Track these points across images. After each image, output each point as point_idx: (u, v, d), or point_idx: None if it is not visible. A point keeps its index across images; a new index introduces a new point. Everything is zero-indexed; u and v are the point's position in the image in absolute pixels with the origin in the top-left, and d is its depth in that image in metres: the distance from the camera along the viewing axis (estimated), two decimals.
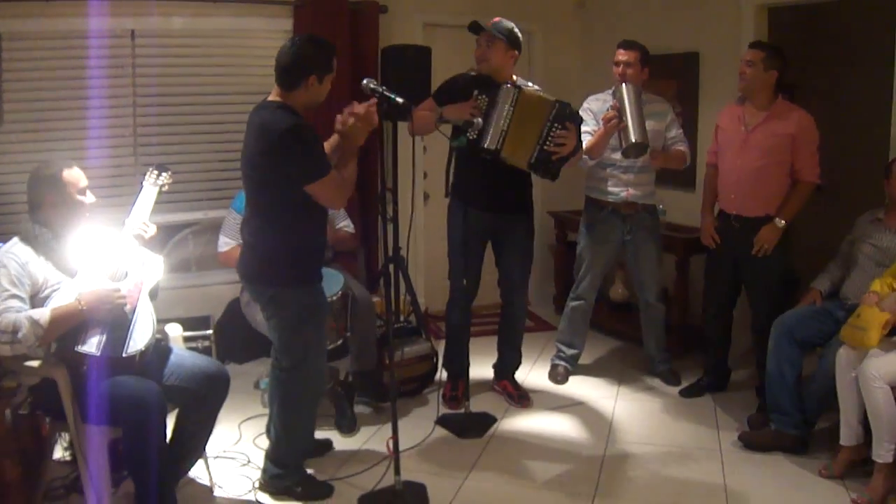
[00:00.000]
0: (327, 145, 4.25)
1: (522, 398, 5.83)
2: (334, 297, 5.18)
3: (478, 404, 5.61)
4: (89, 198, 4.02)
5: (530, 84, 5.45)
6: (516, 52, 5.35)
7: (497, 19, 5.30)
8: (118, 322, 3.79)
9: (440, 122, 5.16)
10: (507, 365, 5.97)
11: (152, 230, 4.20)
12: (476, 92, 5.10)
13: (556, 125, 5.02)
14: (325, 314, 4.46)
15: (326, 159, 4.04)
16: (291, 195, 3.99)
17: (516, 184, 5.46)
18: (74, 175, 3.96)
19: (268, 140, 3.94)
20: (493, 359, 6.11)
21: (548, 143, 5.03)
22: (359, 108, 4.10)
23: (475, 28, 5.25)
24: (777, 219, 5.31)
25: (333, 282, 5.30)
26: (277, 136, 3.89)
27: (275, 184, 4.00)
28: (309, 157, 3.95)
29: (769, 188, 5.38)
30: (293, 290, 4.19)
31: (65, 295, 3.76)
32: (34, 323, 3.58)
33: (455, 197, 5.51)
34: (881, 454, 4.23)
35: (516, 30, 5.32)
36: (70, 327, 3.69)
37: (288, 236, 4.12)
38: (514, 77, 5.37)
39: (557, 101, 5.06)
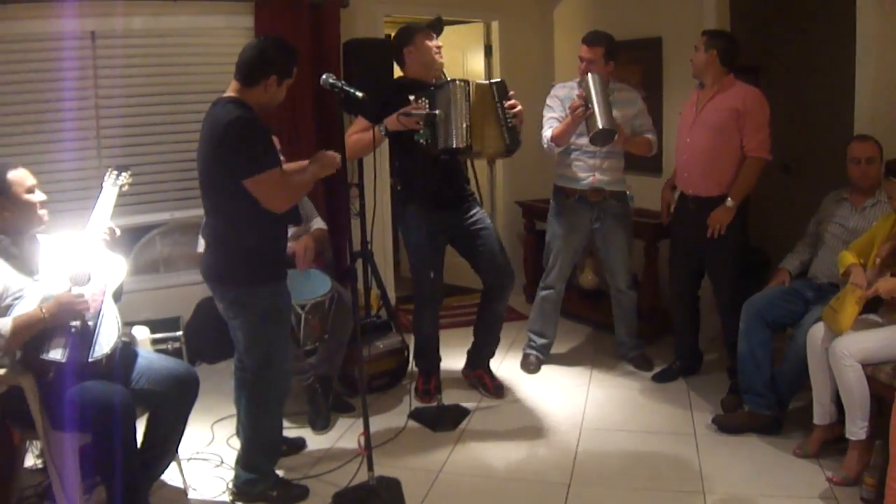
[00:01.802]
0: (295, 166, 4.26)
1: (498, 389, 5.83)
2: (323, 298, 5.18)
3: (450, 397, 5.61)
4: (38, 196, 3.95)
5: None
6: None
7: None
8: (83, 325, 3.75)
9: (386, 135, 5.14)
10: (482, 353, 5.95)
11: (115, 233, 4.15)
12: (413, 98, 5.09)
13: (503, 101, 5.09)
14: (288, 314, 4.43)
15: (271, 156, 3.97)
16: (244, 192, 3.92)
17: (457, 176, 5.52)
18: (19, 175, 3.89)
19: (215, 133, 3.92)
20: (461, 350, 6.10)
21: (509, 119, 5.08)
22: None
23: (439, 26, 5.30)
24: (727, 199, 5.33)
25: (321, 283, 5.30)
26: (222, 127, 3.87)
27: (225, 179, 3.95)
28: (250, 151, 3.89)
29: (720, 167, 5.41)
30: (255, 289, 4.13)
31: (27, 302, 3.72)
32: None
33: (408, 202, 5.49)
34: (854, 432, 4.25)
35: None
36: (31, 335, 3.65)
37: (246, 235, 4.06)
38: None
39: (491, 82, 5.19)
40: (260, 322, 4.17)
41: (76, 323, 3.73)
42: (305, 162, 4.28)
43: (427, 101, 5.04)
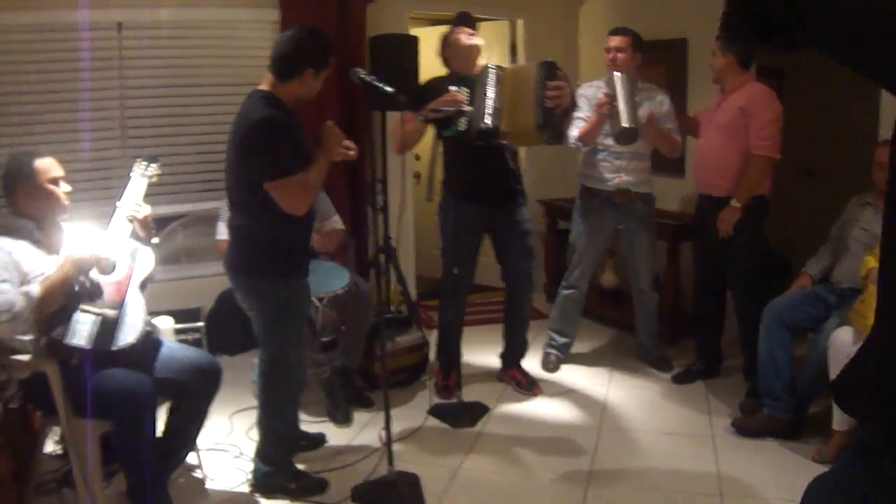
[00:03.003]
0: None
1: (531, 384, 5.85)
2: (340, 292, 5.20)
3: (470, 393, 5.60)
4: (64, 188, 3.98)
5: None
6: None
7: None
8: (109, 310, 3.78)
9: (424, 122, 5.16)
10: (514, 354, 5.98)
11: (146, 210, 4.17)
12: (454, 88, 5.13)
13: (547, 82, 5.00)
14: (306, 309, 4.44)
15: (294, 159, 3.94)
16: (264, 189, 3.94)
17: (506, 173, 5.49)
18: (46, 164, 3.92)
19: (240, 130, 3.94)
20: (490, 347, 6.16)
21: (546, 100, 4.98)
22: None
23: (467, 19, 5.31)
24: (732, 199, 5.32)
25: (340, 276, 5.32)
26: (247, 126, 3.89)
27: (247, 176, 3.97)
28: (273, 155, 3.88)
29: (728, 166, 5.40)
30: (272, 282, 4.14)
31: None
32: (27, 296, 3.56)
33: (446, 192, 5.50)
34: None
35: None
36: (61, 298, 3.69)
37: (268, 228, 4.07)
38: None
39: (542, 62, 5.07)
40: (276, 314, 4.18)
41: (112, 312, 3.77)
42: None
43: (468, 90, 5.08)
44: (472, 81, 5.14)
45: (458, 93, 5.10)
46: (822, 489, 2.13)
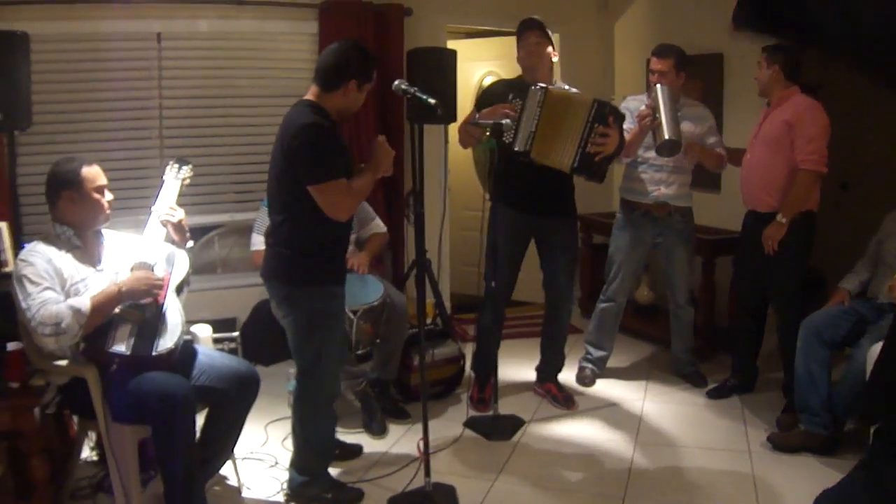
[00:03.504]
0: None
1: (568, 399, 5.82)
2: (374, 304, 5.21)
3: (506, 406, 5.59)
4: (107, 196, 4.01)
5: (566, 86, 5.44)
6: (556, 55, 5.45)
7: (538, 18, 5.34)
8: (148, 317, 3.81)
9: (473, 125, 5.18)
10: (551, 367, 5.97)
11: (180, 214, 4.19)
12: (511, 95, 5.09)
13: (596, 125, 4.93)
14: (340, 318, 4.41)
15: (339, 165, 3.98)
16: (307, 195, 3.95)
17: (557, 186, 5.45)
18: (93, 172, 3.95)
19: (287, 135, 3.97)
20: (526, 360, 6.15)
21: (589, 144, 4.94)
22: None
23: (531, 25, 5.29)
24: (778, 215, 5.27)
25: (374, 288, 5.33)
26: (294, 131, 3.92)
27: (290, 181, 3.99)
28: (318, 157, 3.92)
29: (773, 181, 5.35)
30: (306, 290, 4.15)
31: (96, 287, 3.77)
32: (76, 311, 3.58)
33: (494, 199, 5.46)
34: None
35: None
36: (110, 311, 3.71)
37: (304, 235, 4.09)
38: (556, 80, 5.41)
39: (596, 101, 4.97)
40: (309, 323, 4.17)
41: (151, 317, 3.80)
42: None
43: (520, 101, 5.04)
44: (525, 94, 5.06)
45: (512, 104, 5.07)
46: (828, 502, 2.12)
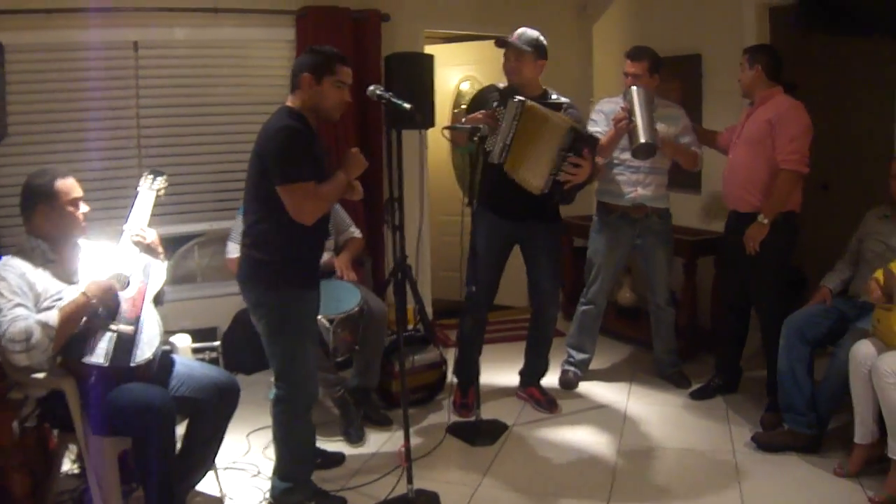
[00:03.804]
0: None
1: (550, 403, 5.81)
2: (352, 312, 5.18)
3: (489, 412, 5.58)
4: (83, 208, 3.98)
5: (554, 96, 5.42)
6: (544, 62, 5.40)
7: (522, 30, 5.34)
8: (125, 326, 3.78)
9: (452, 128, 5.17)
10: (534, 372, 5.96)
11: (152, 235, 4.18)
12: (496, 104, 5.09)
13: (569, 154, 4.91)
14: (311, 322, 4.34)
15: (309, 168, 3.95)
16: (277, 197, 3.94)
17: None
18: (67, 185, 3.92)
19: (261, 138, 4.00)
20: (510, 365, 6.15)
21: (561, 172, 4.94)
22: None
23: (502, 43, 5.27)
24: (760, 215, 5.27)
25: (351, 296, 5.31)
26: (268, 133, 3.95)
27: (261, 182, 3.99)
28: (287, 158, 3.90)
29: (755, 181, 5.36)
30: (277, 294, 4.12)
31: (69, 297, 3.75)
32: (44, 325, 3.56)
33: (480, 204, 5.43)
34: None
35: (542, 38, 5.37)
36: (80, 322, 3.69)
37: (275, 239, 4.06)
38: (544, 87, 5.43)
39: (572, 129, 4.91)
40: (280, 326, 4.14)
41: (128, 328, 3.77)
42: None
43: (503, 109, 5.03)
44: (508, 103, 5.05)
45: (497, 112, 5.05)
46: None
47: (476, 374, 5.57)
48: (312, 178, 3.95)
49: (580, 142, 4.94)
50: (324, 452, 4.92)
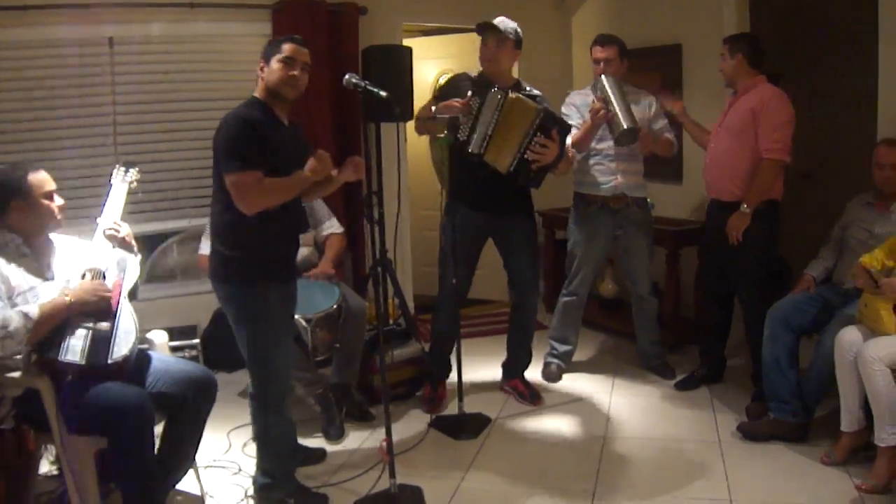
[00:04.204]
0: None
1: (534, 396, 5.79)
2: (330, 311, 5.15)
3: (472, 405, 5.54)
4: (57, 201, 3.95)
5: (528, 88, 5.39)
6: (519, 53, 5.42)
7: (501, 18, 5.31)
8: (101, 324, 3.74)
9: (430, 119, 5.13)
10: (517, 364, 5.93)
11: (125, 229, 4.14)
12: (470, 93, 5.04)
13: (538, 133, 4.94)
14: (277, 319, 4.22)
15: (254, 157, 3.87)
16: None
17: (506, 181, 5.41)
18: (40, 178, 3.89)
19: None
20: (491, 358, 6.16)
21: (527, 152, 4.95)
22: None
23: (483, 28, 5.24)
24: (742, 204, 5.25)
25: (328, 294, 5.27)
26: (221, 123, 3.94)
27: (219, 172, 3.97)
28: (232, 147, 3.87)
29: (737, 170, 5.34)
30: (239, 288, 4.09)
31: (46, 296, 3.70)
32: (24, 316, 3.53)
33: (451, 199, 5.41)
34: (883, 438, 4.18)
35: (519, 29, 5.35)
36: (57, 322, 3.64)
37: (238, 231, 4.01)
38: (516, 78, 5.44)
39: (542, 110, 4.96)
40: (247, 321, 4.11)
41: (105, 323, 3.73)
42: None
43: (479, 100, 4.99)
44: (483, 93, 5.02)
45: (471, 102, 5.01)
46: None
47: (448, 369, 5.64)
48: (258, 168, 3.88)
49: (549, 122, 4.97)
50: (305, 449, 4.89)
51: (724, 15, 6.53)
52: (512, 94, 4.98)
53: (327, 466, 4.84)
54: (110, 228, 4.08)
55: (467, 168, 5.19)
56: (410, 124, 5.46)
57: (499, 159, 5.00)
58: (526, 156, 4.96)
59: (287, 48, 4.06)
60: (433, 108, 5.19)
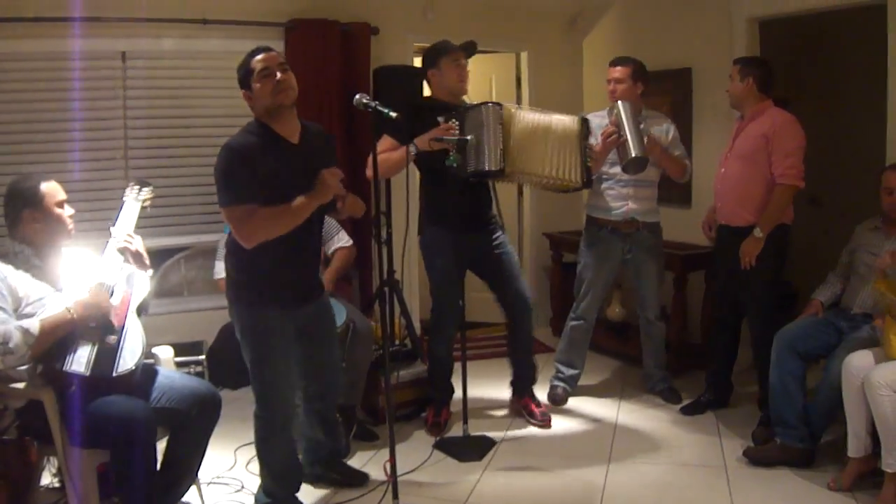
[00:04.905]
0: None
1: (544, 418, 5.77)
2: (337, 331, 5.10)
3: (476, 427, 5.52)
4: (68, 210, 3.98)
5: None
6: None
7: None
8: (107, 337, 3.73)
9: (416, 154, 5.09)
10: (524, 380, 5.89)
11: (138, 242, 4.14)
12: (442, 119, 5.07)
13: (587, 141, 5.06)
14: (283, 343, 4.21)
15: (246, 188, 3.86)
16: None
17: (485, 199, 5.50)
18: (52, 188, 3.92)
19: None
20: (495, 381, 6.20)
21: (588, 159, 5.07)
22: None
23: (473, 49, 5.27)
24: (756, 228, 5.24)
25: (336, 315, 5.25)
26: (219, 151, 3.93)
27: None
28: (221, 181, 3.88)
29: (749, 195, 5.33)
30: (240, 308, 4.13)
31: (52, 306, 3.70)
32: (25, 332, 3.52)
33: (434, 224, 5.44)
34: (891, 463, 4.15)
35: None
36: (60, 337, 3.64)
37: (244, 254, 3.99)
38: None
39: (581, 118, 5.13)
40: (251, 343, 4.14)
41: (112, 337, 3.74)
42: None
43: (458, 122, 4.98)
44: (462, 114, 5.03)
45: (451, 126, 5.01)
46: None
47: (451, 392, 5.63)
48: (251, 200, 3.87)
49: (586, 126, 5.12)
50: (348, 470, 4.87)
51: (734, 39, 6.53)
52: (506, 105, 5.04)
53: (331, 486, 4.79)
54: (123, 241, 4.08)
55: (447, 194, 5.19)
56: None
57: (565, 174, 5.05)
58: (588, 163, 5.07)
59: (258, 62, 4.02)
60: (413, 146, 5.10)
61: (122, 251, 4.07)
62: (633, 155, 5.30)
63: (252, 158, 3.88)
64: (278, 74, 3.99)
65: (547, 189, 5.48)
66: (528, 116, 5.05)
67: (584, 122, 5.10)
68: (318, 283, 4.48)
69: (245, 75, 4.03)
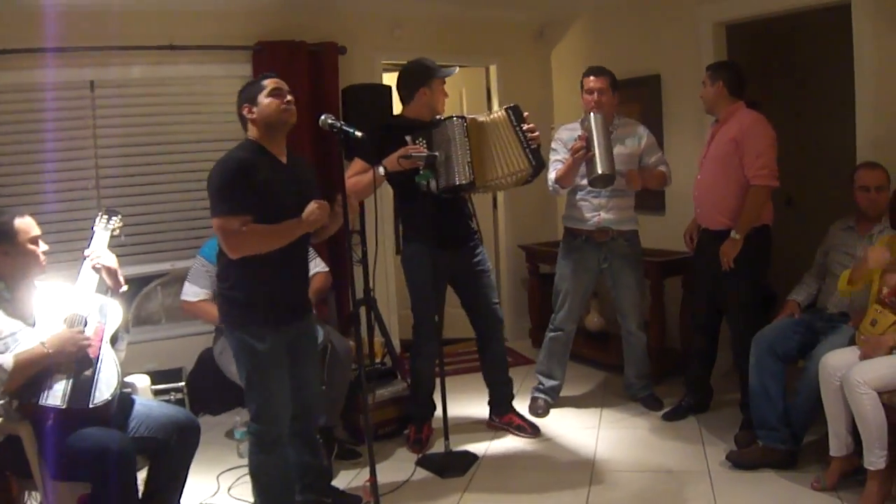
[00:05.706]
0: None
1: (533, 426, 5.78)
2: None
3: (458, 443, 5.50)
4: (42, 247, 3.96)
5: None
6: None
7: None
8: (82, 369, 3.71)
9: (386, 175, 5.08)
10: (502, 397, 5.89)
11: (112, 259, 4.15)
12: (409, 138, 5.06)
13: (521, 125, 5.00)
14: (273, 362, 4.17)
15: (241, 201, 3.90)
16: None
17: (461, 214, 5.51)
18: (26, 224, 3.91)
19: None
20: (475, 395, 6.18)
21: (530, 141, 4.99)
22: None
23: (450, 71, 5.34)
24: (733, 231, 5.26)
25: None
26: (214, 165, 3.98)
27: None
28: (218, 191, 3.91)
29: (724, 199, 5.35)
30: (231, 330, 4.12)
31: (26, 342, 3.69)
32: None
33: (413, 241, 5.45)
34: (873, 461, 4.15)
35: None
36: (35, 372, 3.63)
37: (234, 273, 4.04)
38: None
39: (507, 108, 5.07)
40: (245, 363, 4.12)
41: (86, 371, 3.73)
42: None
43: (424, 141, 4.99)
44: (428, 132, 5.05)
45: (419, 144, 5.02)
46: None
47: (431, 407, 5.62)
48: (246, 213, 3.91)
49: (519, 112, 5.07)
50: (340, 494, 4.82)
51: (701, 44, 6.56)
52: (469, 117, 5.08)
53: None
54: (96, 260, 4.08)
55: (423, 210, 5.18)
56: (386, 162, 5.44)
57: (510, 169, 5.02)
58: (532, 145, 5.00)
59: (270, 82, 4.10)
60: (383, 167, 5.06)
61: (97, 269, 4.07)
62: (600, 172, 5.31)
63: (247, 171, 3.92)
64: (288, 97, 4.10)
65: (517, 186, 5.44)
66: (477, 122, 5.08)
67: (511, 110, 5.05)
68: (307, 300, 4.50)
69: (254, 91, 4.08)
